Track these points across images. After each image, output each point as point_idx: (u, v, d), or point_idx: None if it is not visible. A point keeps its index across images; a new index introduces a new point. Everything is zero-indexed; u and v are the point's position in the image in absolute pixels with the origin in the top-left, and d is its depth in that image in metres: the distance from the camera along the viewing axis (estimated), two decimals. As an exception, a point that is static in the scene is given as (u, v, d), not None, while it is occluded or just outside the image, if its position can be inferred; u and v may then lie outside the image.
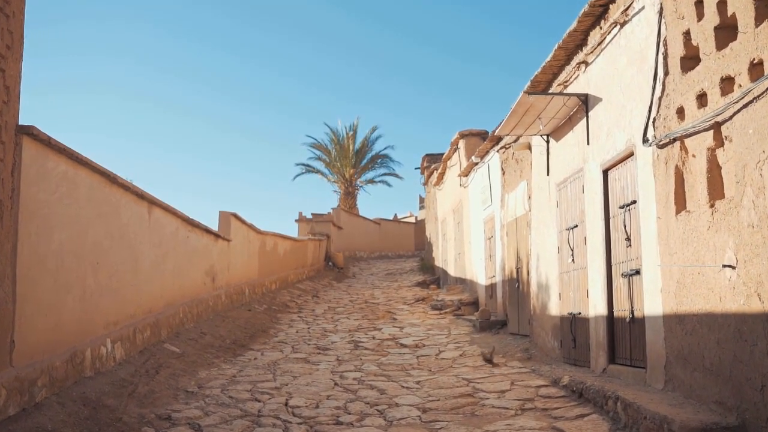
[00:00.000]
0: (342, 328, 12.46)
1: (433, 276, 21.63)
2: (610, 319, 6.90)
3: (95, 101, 69.51)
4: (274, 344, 10.70)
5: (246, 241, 14.51)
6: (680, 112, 5.14)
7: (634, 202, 6.23)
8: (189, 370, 7.87)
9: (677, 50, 5.18)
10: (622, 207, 6.54)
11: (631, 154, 6.25)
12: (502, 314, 12.12)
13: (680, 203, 5.22)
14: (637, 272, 6.17)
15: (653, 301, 5.75)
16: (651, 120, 5.66)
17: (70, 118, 70.04)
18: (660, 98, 5.52)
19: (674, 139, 5.22)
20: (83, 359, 6.31)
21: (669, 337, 5.40)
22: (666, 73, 5.44)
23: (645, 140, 5.70)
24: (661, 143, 5.42)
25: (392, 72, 77.59)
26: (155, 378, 7.02)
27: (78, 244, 6.35)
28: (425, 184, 25.68)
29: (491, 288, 13.17)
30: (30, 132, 5.34)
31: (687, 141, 5.06)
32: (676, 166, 5.23)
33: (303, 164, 35.89)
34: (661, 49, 5.50)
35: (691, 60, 5.04)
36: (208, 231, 11.52)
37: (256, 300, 14.59)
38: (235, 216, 13.48)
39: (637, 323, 6.23)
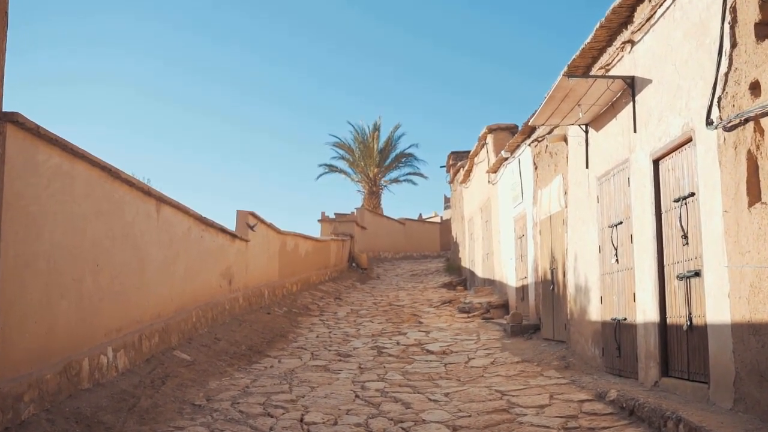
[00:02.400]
0: (365, 333, 11.84)
1: (459, 277, 20.92)
2: (663, 326, 6.16)
3: (115, 98, 69.90)
4: (292, 350, 10.11)
5: (265, 241, 13.96)
6: (754, 88, 4.42)
7: (693, 194, 5.50)
8: (199, 380, 7.30)
9: (750, 15, 4.45)
10: (677, 200, 5.80)
11: (689, 140, 5.52)
12: (534, 318, 11.39)
13: (754, 194, 4.48)
14: (697, 274, 5.43)
15: (718, 306, 5.01)
16: (716, 99, 4.93)
17: (88, 114, 70.58)
18: (726, 74, 4.80)
19: (746, 120, 4.49)
20: (80, 370, 5.76)
21: (739, 348, 4.67)
22: (734, 45, 4.71)
23: (709, 123, 4.96)
24: (729, 125, 4.69)
25: (414, 72, 76.81)
26: (160, 390, 6.45)
27: (74, 244, 5.80)
28: (451, 182, 24.95)
29: (522, 290, 12.43)
30: (14, 119, 4.80)
31: (763, 121, 4.33)
32: (749, 151, 4.50)
33: (326, 164, 35.46)
34: (728, 18, 4.77)
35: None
36: (224, 231, 10.98)
37: (275, 302, 14.03)
38: (254, 215, 12.94)
39: (696, 331, 5.50)
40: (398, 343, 10.66)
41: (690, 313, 5.60)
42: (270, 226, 14.28)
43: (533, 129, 10.80)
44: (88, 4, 68.08)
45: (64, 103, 69.86)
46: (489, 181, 15.60)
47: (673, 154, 5.92)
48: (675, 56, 5.79)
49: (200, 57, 69.22)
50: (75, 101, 70.84)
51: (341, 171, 35.65)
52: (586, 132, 8.28)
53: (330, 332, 11.95)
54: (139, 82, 66.57)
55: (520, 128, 11.73)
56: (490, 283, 16.06)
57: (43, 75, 66.56)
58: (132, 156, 71.04)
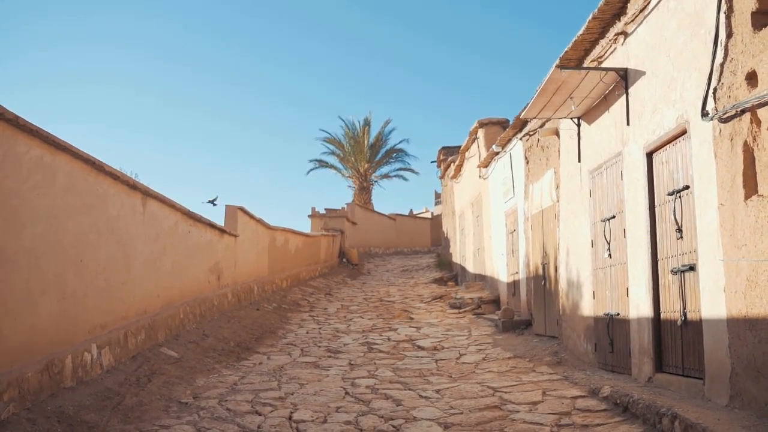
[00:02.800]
0: (355, 329, 11.73)
1: (450, 272, 20.85)
2: (657, 321, 6.09)
3: (115, 98, 69.45)
4: (282, 346, 9.99)
5: (255, 236, 13.82)
6: (751, 78, 4.33)
7: (687, 187, 5.42)
8: (186, 377, 7.17)
9: (747, 4, 4.36)
10: (671, 194, 5.73)
11: (684, 132, 5.44)
12: (526, 313, 11.32)
13: (750, 186, 4.40)
14: (692, 268, 5.36)
15: (713, 301, 4.94)
16: (711, 90, 4.84)
17: (88, 114, 70.07)
18: (722, 64, 4.71)
19: (743, 111, 4.40)
20: (62, 368, 5.61)
21: (735, 344, 4.60)
22: (729, 35, 4.62)
23: (704, 114, 4.88)
24: (725, 116, 4.60)
25: (405, 67, 76.79)
26: (146, 387, 6.32)
27: (57, 240, 5.66)
28: (442, 177, 24.86)
29: (514, 285, 12.36)
30: (-8, 109, 4.66)
31: (760, 112, 4.25)
32: (745, 143, 4.42)
33: (316, 159, 35.28)
34: (724, 7, 4.68)
35: (765, 15, 4.23)
36: (212, 226, 10.84)
37: (265, 298, 13.90)
38: (243, 210, 12.79)
39: (691, 326, 5.43)
40: (389, 339, 10.56)
41: (684, 308, 5.53)
42: (259, 221, 14.13)
43: (525, 123, 10.70)
44: (88, 4, 67.58)
45: (65, 103, 69.35)
46: (480, 176, 15.51)
47: (667, 146, 5.84)
48: (669, 47, 5.71)
49: (195, 54, 69.01)
50: (75, 101, 70.39)
51: (332, 166, 35.49)
52: (579, 125, 8.20)
53: (320, 328, 11.83)
54: (139, 82, 66.23)
55: (511, 122, 11.64)
56: (481, 278, 15.99)
57: (44, 75, 66.08)
58: (129, 153, 70.66)
